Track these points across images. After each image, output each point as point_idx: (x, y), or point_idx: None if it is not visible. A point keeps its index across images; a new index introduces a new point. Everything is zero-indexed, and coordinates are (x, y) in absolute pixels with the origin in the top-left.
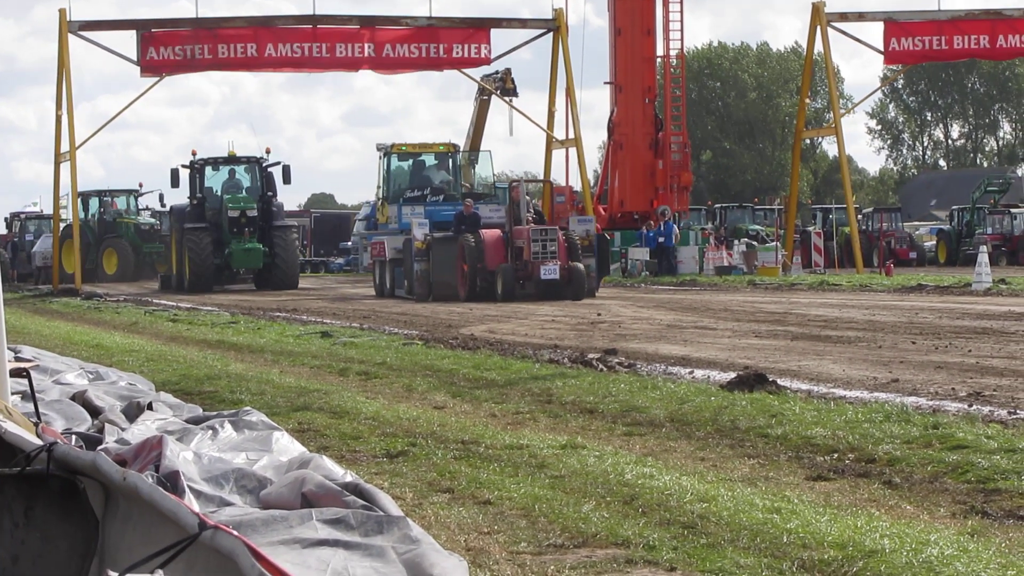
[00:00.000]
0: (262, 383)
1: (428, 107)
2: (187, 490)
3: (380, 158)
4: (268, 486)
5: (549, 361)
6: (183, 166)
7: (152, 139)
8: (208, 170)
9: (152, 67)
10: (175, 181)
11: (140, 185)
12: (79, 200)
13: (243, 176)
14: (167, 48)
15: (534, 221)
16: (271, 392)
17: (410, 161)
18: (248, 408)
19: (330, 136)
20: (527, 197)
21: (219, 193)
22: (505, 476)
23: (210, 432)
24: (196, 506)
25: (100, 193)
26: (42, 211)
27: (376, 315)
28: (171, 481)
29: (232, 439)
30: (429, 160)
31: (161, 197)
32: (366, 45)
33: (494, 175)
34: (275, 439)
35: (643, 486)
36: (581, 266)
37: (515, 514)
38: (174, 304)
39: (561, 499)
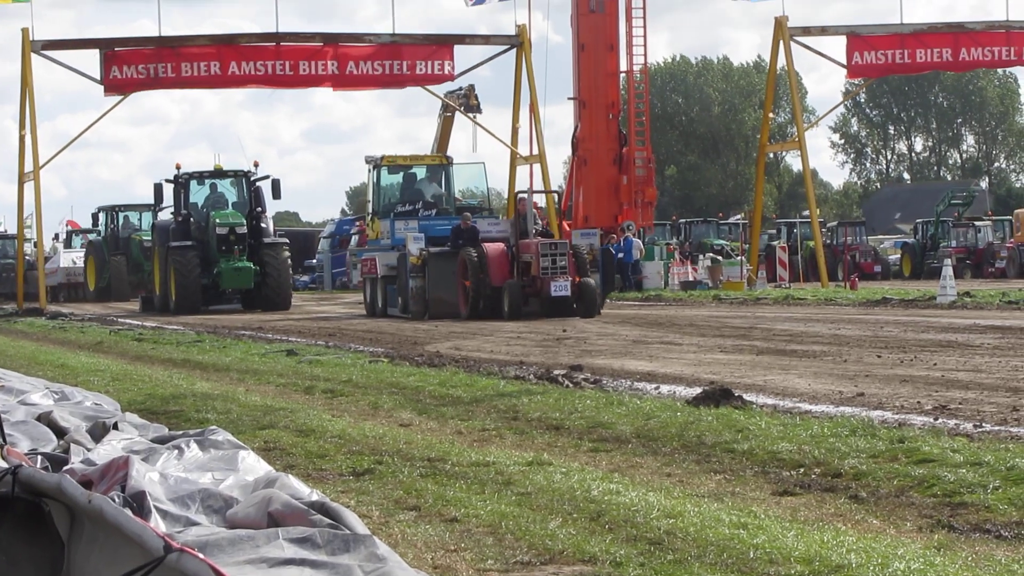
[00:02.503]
0: (228, 402)
1: (388, 124)
2: (153, 511)
3: (369, 171)
4: (234, 506)
5: (515, 378)
6: (167, 180)
7: (114, 157)
8: (193, 184)
9: (116, 86)
10: (159, 197)
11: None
12: (101, 215)
13: (228, 190)
14: (130, 66)
15: (541, 235)
16: (237, 411)
17: (401, 174)
18: (214, 427)
19: (291, 154)
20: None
21: (204, 209)
22: (471, 493)
23: (176, 452)
24: (162, 527)
25: (115, 208)
26: (6, 231)
27: (342, 333)
28: (137, 502)
29: (198, 458)
30: (421, 173)
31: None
32: (329, 62)
33: (487, 188)
34: (241, 458)
35: (609, 502)
36: (592, 282)
37: (482, 531)
38: (139, 323)
39: (528, 516)
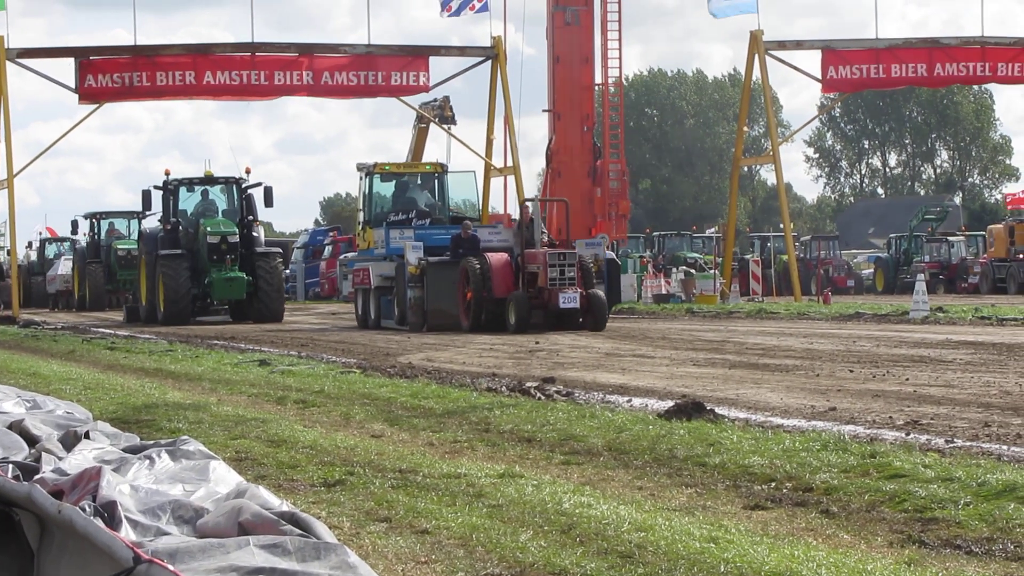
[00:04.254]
0: (200, 412)
1: (361, 134)
2: (124, 521)
3: (361, 179)
4: (205, 516)
5: (487, 390)
6: (155, 187)
7: (87, 166)
8: (183, 191)
9: (90, 94)
10: (147, 204)
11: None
12: (84, 222)
13: (219, 197)
14: (105, 75)
15: (547, 245)
16: (208, 421)
17: (393, 182)
18: (186, 437)
19: (264, 163)
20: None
21: (194, 216)
22: (443, 505)
23: (147, 462)
24: (133, 536)
25: (97, 215)
26: None
27: (314, 343)
28: (108, 512)
29: (169, 469)
30: (414, 181)
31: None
32: (304, 73)
33: (479, 197)
34: (212, 469)
35: (580, 515)
36: (601, 293)
37: (452, 543)
38: (112, 332)
39: (499, 528)
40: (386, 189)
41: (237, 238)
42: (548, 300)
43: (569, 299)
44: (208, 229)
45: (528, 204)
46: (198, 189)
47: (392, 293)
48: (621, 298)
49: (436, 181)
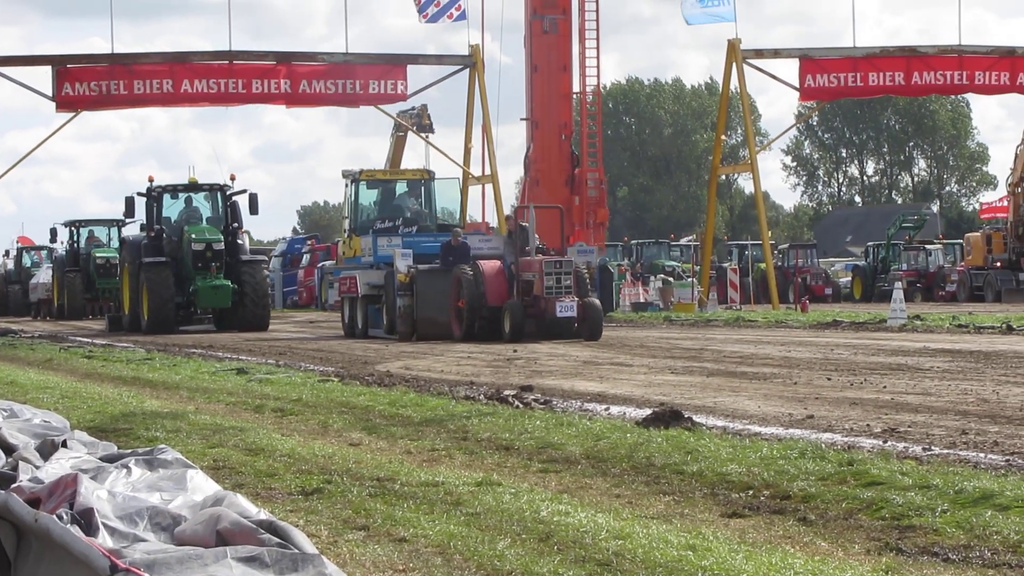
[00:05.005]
0: (177, 420)
1: (338, 143)
2: (101, 528)
3: (347, 185)
4: (182, 524)
5: (465, 398)
6: (139, 194)
7: (63, 174)
8: (167, 198)
9: (68, 103)
10: (130, 210)
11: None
12: (64, 230)
13: (202, 204)
14: (83, 84)
15: (540, 252)
16: (186, 429)
17: (379, 189)
18: (163, 446)
19: (240, 172)
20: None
21: (178, 223)
22: (420, 513)
23: (125, 470)
24: (111, 543)
25: (78, 223)
26: None
27: (292, 351)
28: (85, 519)
29: (147, 477)
30: (400, 188)
31: (142, 227)
32: (282, 81)
33: (462, 205)
34: (190, 477)
35: (558, 523)
36: (597, 302)
37: (430, 552)
38: (89, 340)
39: (476, 536)
40: (372, 196)
41: (222, 245)
42: (544, 309)
43: (566, 308)
44: (193, 236)
45: (523, 211)
46: (182, 196)
47: (380, 302)
48: (614, 306)
49: (423, 188)
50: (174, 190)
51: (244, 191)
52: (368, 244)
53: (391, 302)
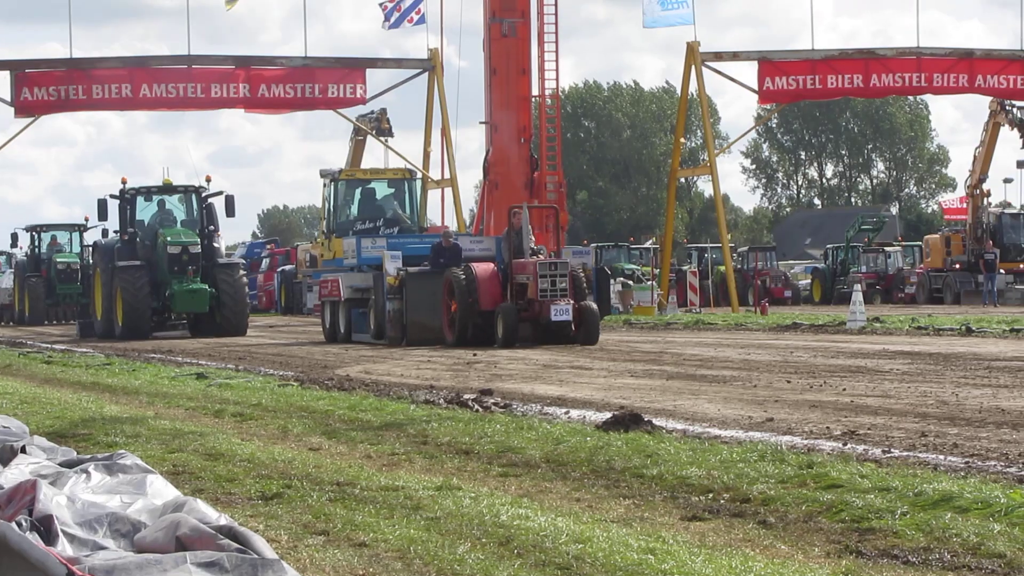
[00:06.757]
0: (137, 425)
1: (295, 147)
2: (61, 535)
3: (325, 185)
4: (142, 530)
5: (425, 402)
6: (111, 196)
7: (21, 179)
8: (140, 200)
9: (26, 107)
10: (102, 213)
11: (86, 219)
12: (29, 235)
13: (176, 207)
14: (41, 88)
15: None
16: (146, 435)
17: (359, 189)
18: (123, 451)
19: (198, 177)
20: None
21: (152, 226)
22: (380, 518)
23: (84, 475)
24: (70, 551)
25: (39, 228)
26: None
27: (252, 356)
28: (45, 526)
29: (106, 482)
30: (381, 188)
31: (104, 232)
32: (241, 85)
33: (418, 205)
34: (149, 482)
35: (518, 527)
36: (593, 305)
37: (390, 556)
38: (49, 346)
39: (436, 541)
40: (352, 196)
41: (199, 248)
42: (539, 312)
43: (561, 311)
44: (168, 239)
45: (518, 211)
46: (156, 198)
47: (366, 305)
48: (610, 309)
49: (406, 188)
50: (148, 192)
51: (220, 193)
52: (351, 246)
53: (380, 306)
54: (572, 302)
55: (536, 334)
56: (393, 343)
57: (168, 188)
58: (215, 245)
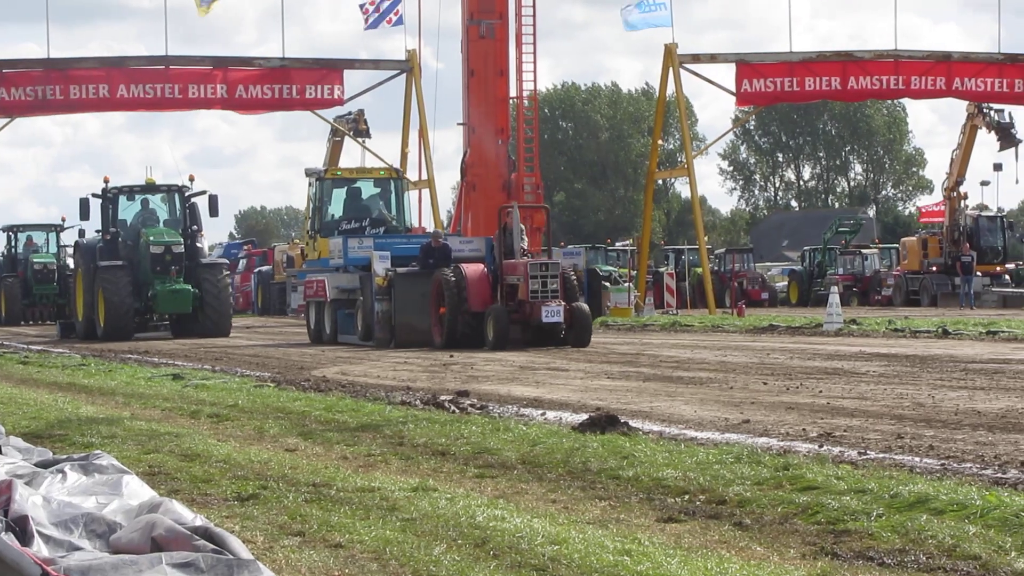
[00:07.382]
0: (113, 426)
1: (272, 148)
2: (36, 535)
3: (310, 184)
4: (118, 531)
5: (401, 403)
6: (94, 195)
7: None
8: (122, 200)
9: (3, 108)
10: (84, 213)
11: (63, 219)
12: (5, 235)
13: (159, 207)
14: (18, 89)
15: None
16: (122, 435)
17: (345, 188)
18: (99, 452)
19: (174, 178)
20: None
21: (134, 226)
22: (356, 519)
23: (60, 476)
24: (45, 551)
25: (15, 228)
26: None
27: (228, 356)
28: (20, 526)
29: (82, 483)
30: (367, 188)
31: (82, 232)
32: (219, 86)
33: (405, 205)
34: (125, 483)
35: (494, 528)
36: (585, 307)
37: (366, 557)
38: (25, 346)
39: (412, 542)
40: (337, 196)
41: (182, 248)
42: (530, 314)
43: (552, 313)
44: (151, 239)
45: (509, 210)
46: (138, 198)
47: (353, 306)
48: (602, 311)
49: (392, 188)
50: (130, 191)
51: (203, 192)
52: (336, 246)
53: (368, 307)
54: (563, 303)
55: (527, 336)
56: (381, 345)
57: (151, 187)
58: (198, 245)
